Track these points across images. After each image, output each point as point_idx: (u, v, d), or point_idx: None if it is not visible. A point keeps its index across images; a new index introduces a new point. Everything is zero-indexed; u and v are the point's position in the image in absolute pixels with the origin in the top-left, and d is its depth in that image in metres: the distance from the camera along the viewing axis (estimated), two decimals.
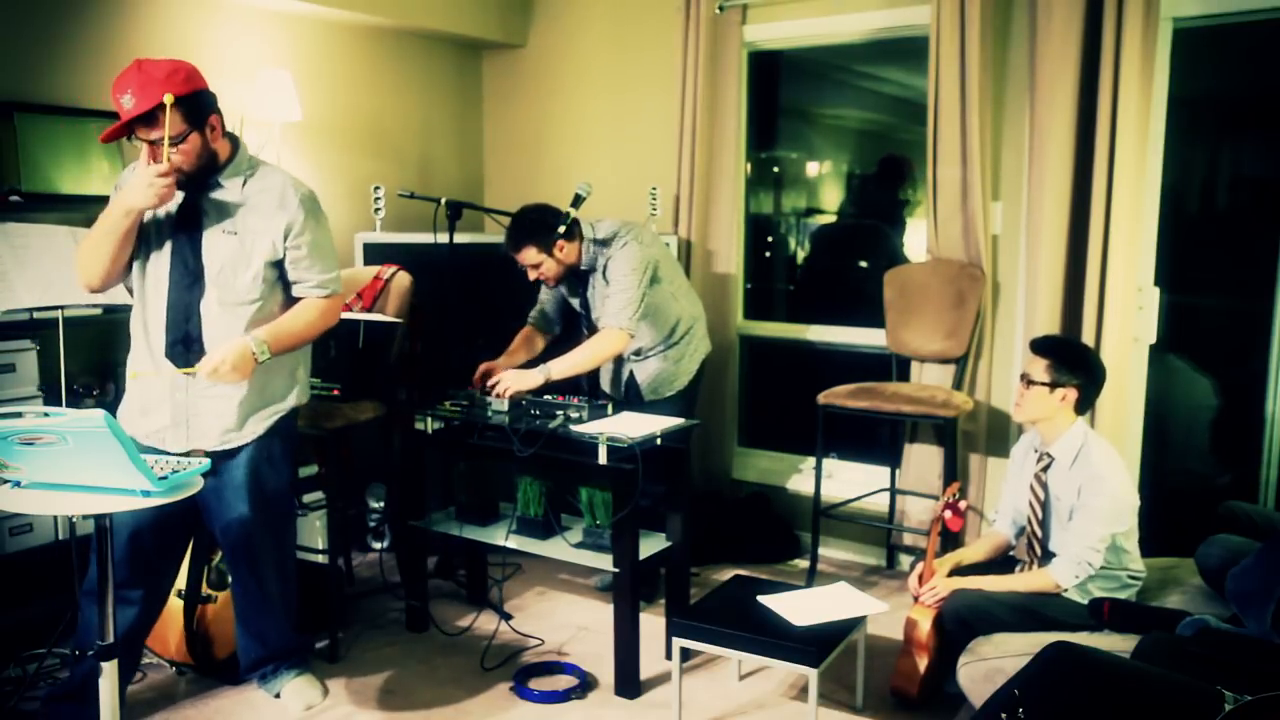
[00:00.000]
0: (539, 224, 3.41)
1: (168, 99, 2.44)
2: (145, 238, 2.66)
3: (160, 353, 2.67)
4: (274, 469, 2.84)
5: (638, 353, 3.64)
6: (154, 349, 2.68)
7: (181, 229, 2.65)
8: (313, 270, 2.77)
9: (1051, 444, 2.90)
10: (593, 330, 3.60)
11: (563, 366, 3.36)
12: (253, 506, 2.79)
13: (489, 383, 3.35)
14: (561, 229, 3.37)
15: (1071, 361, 2.85)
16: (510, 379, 3.32)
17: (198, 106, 2.57)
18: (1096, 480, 2.77)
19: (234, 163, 2.70)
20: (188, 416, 2.69)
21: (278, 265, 2.74)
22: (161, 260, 2.66)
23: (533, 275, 3.48)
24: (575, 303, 3.66)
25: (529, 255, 3.41)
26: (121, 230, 2.56)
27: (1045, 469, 2.92)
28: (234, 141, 2.73)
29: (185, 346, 2.65)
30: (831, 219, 4.81)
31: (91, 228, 2.62)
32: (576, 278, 3.58)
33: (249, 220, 2.69)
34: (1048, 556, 2.89)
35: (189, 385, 2.67)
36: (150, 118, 2.48)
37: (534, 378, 3.30)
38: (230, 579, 2.99)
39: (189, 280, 2.65)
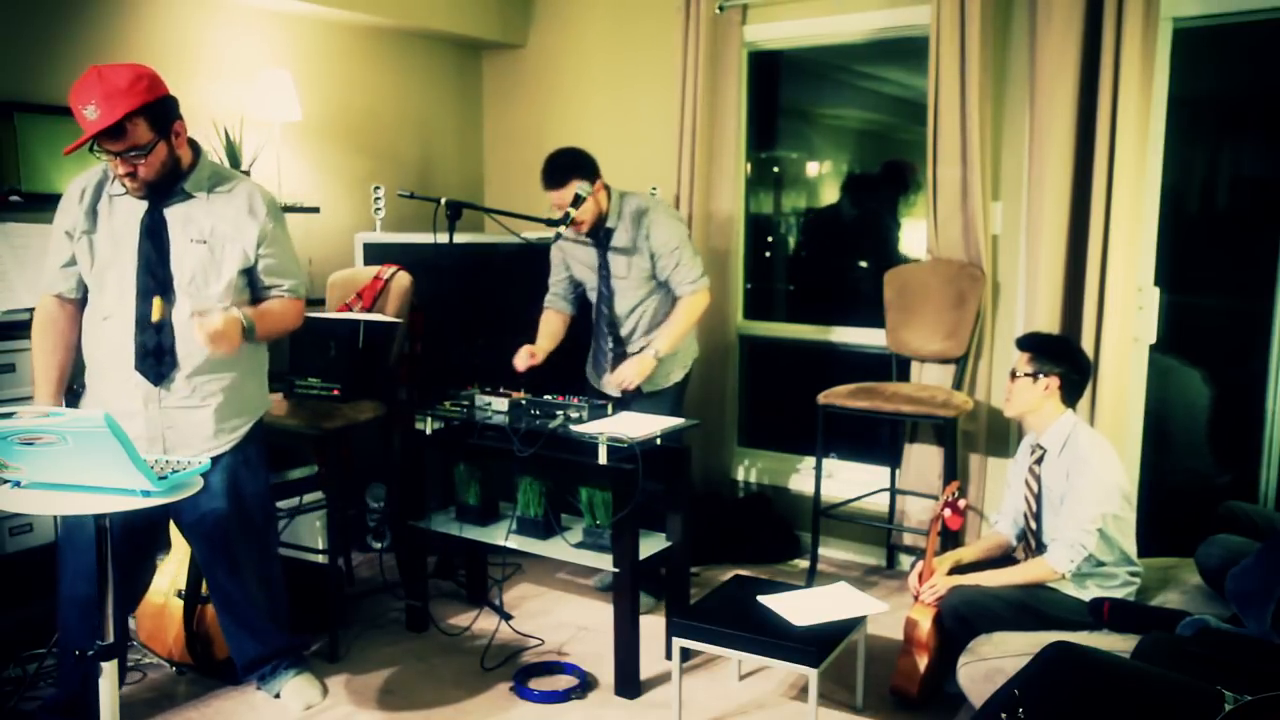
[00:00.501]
0: (580, 159, 3.47)
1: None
2: (105, 250, 2.61)
3: (128, 366, 2.62)
4: (252, 473, 2.84)
5: (641, 348, 3.59)
6: (120, 363, 2.62)
7: (147, 239, 2.61)
8: (284, 276, 2.80)
9: (1042, 435, 2.96)
10: (610, 301, 3.58)
11: (667, 343, 3.46)
12: (231, 512, 2.78)
13: (613, 381, 3.40)
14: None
15: (1051, 351, 2.95)
16: (631, 371, 3.40)
17: (163, 114, 2.53)
18: (1081, 462, 2.83)
19: (197, 169, 2.67)
20: (164, 429, 2.67)
21: (248, 273, 2.74)
22: (126, 271, 2.61)
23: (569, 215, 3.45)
24: (588, 268, 3.60)
25: (570, 192, 3.40)
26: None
27: (1038, 461, 2.96)
28: (195, 148, 2.69)
29: (157, 359, 2.62)
30: (829, 218, 4.80)
31: (33, 357, 2.71)
32: (595, 238, 3.55)
33: (218, 228, 2.67)
34: (1043, 549, 2.91)
35: (163, 398, 2.64)
36: (117, 130, 2.43)
37: (647, 363, 3.42)
38: (209, 582, 2.95)
39: (159, 290, 2.61)
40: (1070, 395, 2.93)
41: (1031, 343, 3.00)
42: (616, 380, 3.36)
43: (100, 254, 2.62)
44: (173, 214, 2.64)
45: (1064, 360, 2.93)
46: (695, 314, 3.53)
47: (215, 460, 2.73)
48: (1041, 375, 2.90)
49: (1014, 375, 2.97)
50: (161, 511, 2.75)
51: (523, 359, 3.52)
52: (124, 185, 2.58)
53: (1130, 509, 2.89)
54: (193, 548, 2.93)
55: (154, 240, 2.61)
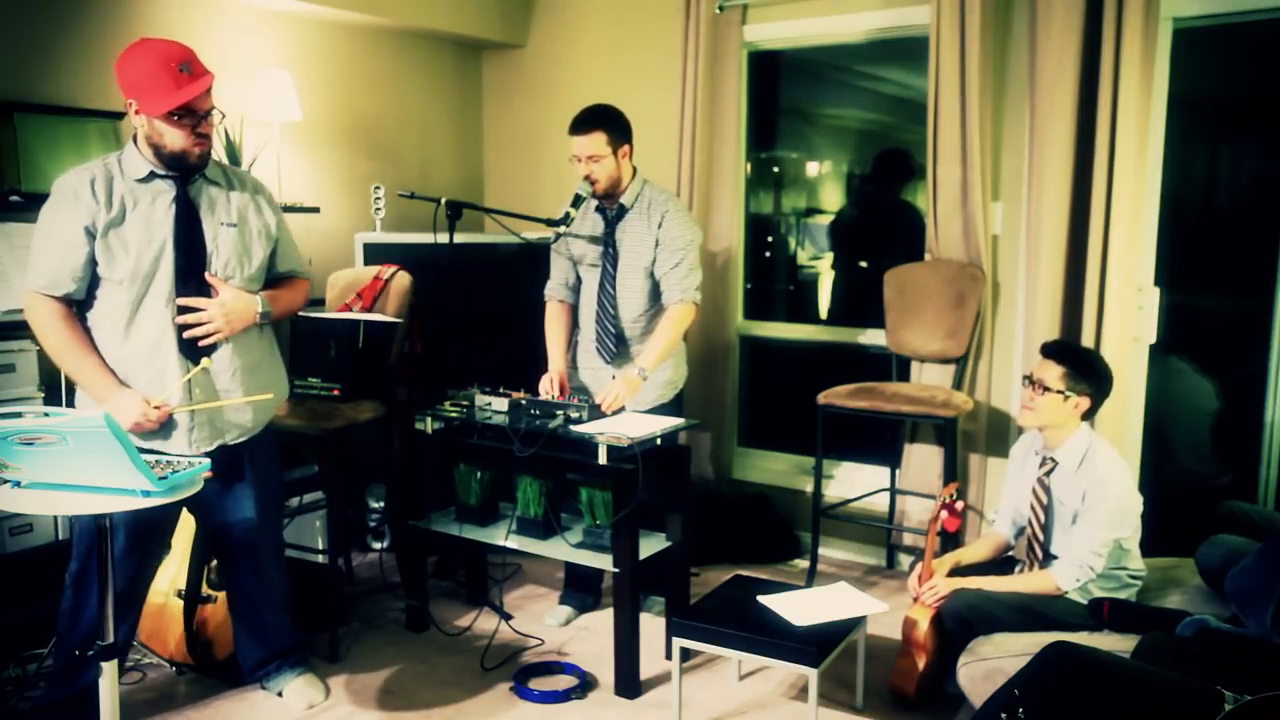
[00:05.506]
0: (618, 118, 3.37)
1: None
2: (139, 236, 2.58)
3: (169, 352, 2.61)
4: (272, 464, 2.90)
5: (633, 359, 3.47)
6: (162, 350, 2.60)
7: (184, 221, 2.63)
8: (297, 258, 2.93)
9: (1056, 448, 2.90)
10: (613, 281, 3.42)
11: (653, 360, 3.30)
12: (257, 505, 2.83)
13: (598, 401, 3.25)
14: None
15: (1087, 371, 2.86)
16: (620, 394, 3.24)
17: None
18: (1102, 485, 2.78)
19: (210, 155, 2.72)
20: (210, 413, 2.68)
21: (270, 256, 2.84)
22: (165, 256, 2.60)
23: (584, 170, 3.32)
24: (590, 243, 3.45)
25: (597, 141, 3.29)
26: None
27: (1049, 473, 2.91)
28: None
29: (197, 340, 2.63)
30: (830, 218, 4.80)
31: (67, 360, 2.58)
32: (604, 213, 3.43)
33: (244, 212, 2.75)
34: (1049, 559, 2.89)
35: (206, 384, 2.66)
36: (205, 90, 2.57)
37: (634, 383, 3.27)
38: (228, 581, 2.98)
39: (194, 270, 2.63)
40: (1090, 413, 2.89)
41: (1067, 357, 2.88)
42: (605, 404, 3.24)
43: (134, 242, 2.57)
44: (200, 198, 2.68)
45: (1096, 380, 2.85)
46: (681, 327, 3.38)
47: (243, 449, 2.76)
48: (1073, 395, 2.83)
49: (1039, 386, 2.86)
50: (173, 511, 2.75)
51: (553, 387, 3.37)
52: (189, 155, 2.59)
53: (1139, 522, 2.87)
54: (216, 551, 2.95)
55: (189, 221, 2.64)
